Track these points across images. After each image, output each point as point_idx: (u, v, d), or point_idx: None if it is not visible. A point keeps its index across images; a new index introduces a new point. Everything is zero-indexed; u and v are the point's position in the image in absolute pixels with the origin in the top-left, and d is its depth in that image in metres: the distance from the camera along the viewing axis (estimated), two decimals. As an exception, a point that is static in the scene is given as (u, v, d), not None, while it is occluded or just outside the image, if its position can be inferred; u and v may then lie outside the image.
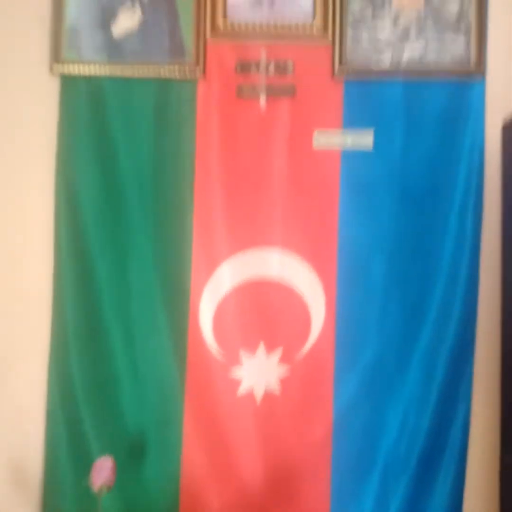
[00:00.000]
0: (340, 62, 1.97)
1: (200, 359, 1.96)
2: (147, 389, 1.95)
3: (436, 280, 1.96)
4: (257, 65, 2.00)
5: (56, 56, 1.98)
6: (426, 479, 1.95)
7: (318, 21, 1.99)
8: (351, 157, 1.98)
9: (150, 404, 1.95)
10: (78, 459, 1.91)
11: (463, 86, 1.97)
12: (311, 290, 1.98)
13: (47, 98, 1.98)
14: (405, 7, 1.97)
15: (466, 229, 1.95)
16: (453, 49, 1.97)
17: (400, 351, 1.97)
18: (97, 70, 1.99)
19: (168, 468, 1.94)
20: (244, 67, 2.00)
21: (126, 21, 2.01)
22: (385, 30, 1.98)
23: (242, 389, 1.97)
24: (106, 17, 2.00)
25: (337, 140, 1.99)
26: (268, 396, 1.97)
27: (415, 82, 1.97)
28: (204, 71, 1.98)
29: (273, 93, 1.98)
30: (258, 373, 1.96)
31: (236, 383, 1.97)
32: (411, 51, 1.97)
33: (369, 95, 1.99)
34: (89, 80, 1.98)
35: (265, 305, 1.97)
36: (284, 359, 1.97)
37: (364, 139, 1.98)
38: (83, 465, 1.82)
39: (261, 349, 1.97)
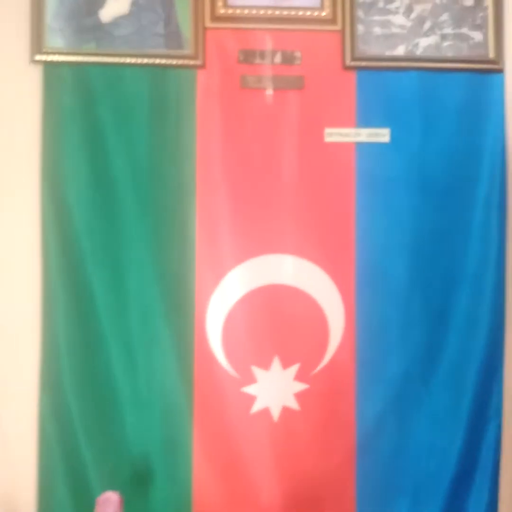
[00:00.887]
0: (352, 51, 1.87)
1: (208, 375, 1.83)
2: (151, 411, 1.80)
3: (461, 284, 1.88)
4: (262, 55, 1.89)
5: (38, 44, 1.82)
6: (458, 502, 1.85)
7: (327, 6, 1.89)
8: (366, 151, 1.88)
9: (155, 428, 1.80)
10: (77, 492, 1.75)
11: (481, 79, 1.90)
12: (328, 298, 1.87)
13: (30, 90, 1.82)
14: (419, -4, 1.90)
15: (491, 227, 1.88)
16: (470, 44, 1.89)
17: (426, 363, 1.87)
18: (84, 58, 1.84)
19: (177, 496, 1.80)
20: (247, 56, 1.88)
21: (116, 6, 1.87)
22: (398, 19, 1.89)
23: (257, 407, 1.84)
24: (92, 2, 1.86)
25: (351, 138, 1.88)
26: (286, 412, 1.85)
27: (432, 73, 1.89)
28: (204, 61, 1.86)
29: (280, 85, 1.88)
30: (273, 389, 1.84)
31: (250, 400, 1.84)
32: (427, 42, 1.89)
33: (383, 86, 1.89)
34: (75, 68, 1.83)
35: (278, 315, 1.85)
36: (301, 374, 1.85)
37: (380, 137, 1.88)
38: (83, 499, 1.71)
39: (276, 364, 1.85)
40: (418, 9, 1.88)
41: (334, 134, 1.88)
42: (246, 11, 1.88)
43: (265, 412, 1.84)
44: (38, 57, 1.82)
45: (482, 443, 1.88)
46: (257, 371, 1.84)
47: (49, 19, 1.83)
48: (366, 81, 1.88)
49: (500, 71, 1.89)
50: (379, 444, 1.85)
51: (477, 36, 1.88)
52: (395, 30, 1.87)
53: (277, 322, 1.85)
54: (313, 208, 1.87)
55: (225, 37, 1.88)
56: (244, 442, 1.83)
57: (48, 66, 1.83)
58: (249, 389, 1.84)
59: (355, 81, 1.89)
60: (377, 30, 1.88)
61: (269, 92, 1.88)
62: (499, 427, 1.88)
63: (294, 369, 1.85)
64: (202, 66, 1.86)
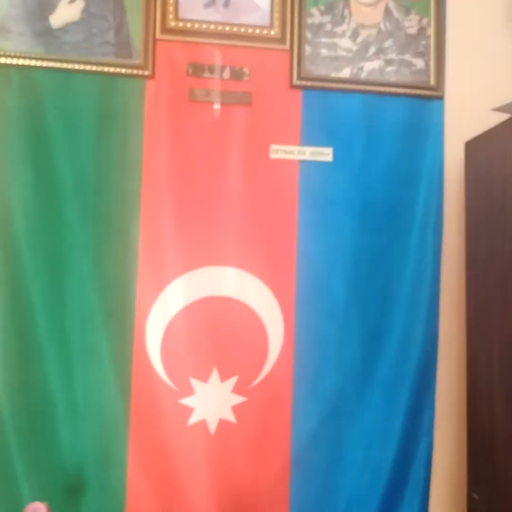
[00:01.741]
0: (299, 70, 1.95)
1: (146, 386, 1.85)
2: (86, 422, 1.81)
3: (397, 303, 1.97)
4: (211, 69, 1.95)
5: (-16, 46, 1.85)
6: (389, 516, 1.95)
7: (276, 25, 1.96)
8: (309, 169, 1.95)
9: (89, 439, 1.81)
10: (6, 504, 1.74)
11: (422, 104, 2.01)
12: (268, 312, 1.93)
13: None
14: (365, 22, 1.98)
15: (427, 249, 1.98)
16: (412, 70, 2.00)
17: (361, 380, 1.95)
18: (32, 62, 1.86)
19: (110, 509, 1.81)
20: (196, 70, 1.94)
21: (67, 12, 1.90)
22: (344, 42, 1.99)
23: (194, 419, 1.87)
24: (44, 7, 1.88)
25: (295, 155, 1.96)
26: (223, 424, 1.89)
27: (375, 96, 1.99)
28: (153, 71, 1.91)
29: (228, 100, 1.94)
30: (211, 401, 1.88)
31: (187, 412, 1.87)
32: (371, 66, 1.99)
33: (328, 106, 1.98)
34: (23, 72, 1.85)
35: (219, 327, 1.90)
36: (239, 387, 1.89)
37: (323, 156, 1.96)
38: (13, 510, 1.69)
39: (215, 376, 1.89)
40: (364, 34, 1.98)
41: (279, 151, 1.95)
42: (196, 25, 1.94)
43: (202, 424, 1.88)
44: (-17, 59, 1.84)
45: (414, 460, 1.97)
46: (195, 383, 1.88)
47: (-3, 20, 1.85)
48: (311, 101, 1.96)
49: (440, 97, 2.00)
50: (314, 458, 1.92)
51: (419, 63, 2.00)
52: (341, 52, 1.97)
53: (217, 334, 1.89)
54: (256, 222, 1.93)
55: (175, 50, 1.93)
56: (180, 454, 1.86)
57: (-6, 68, 1.85)
58: (187, 401, 1.87)
59: (301, 100, 1.96)
60: (324, 51, 1.97)
61: (217, 106, 1.94)
62: (430, 445, 1.97)
63: (232, 381, 1.90)
64: (151, 77, 1.91)
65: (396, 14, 1.99)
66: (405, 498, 1.95)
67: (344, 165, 1.96)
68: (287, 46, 1.97)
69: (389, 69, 1.99)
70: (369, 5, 1.98)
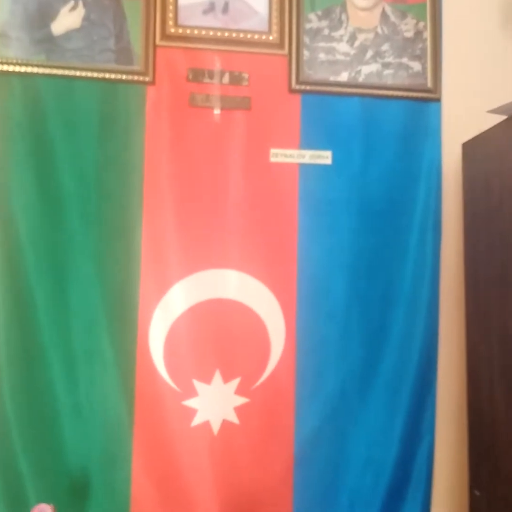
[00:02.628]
0: (297, 75, 2.02)
1: (150, 388, 1.91)
2: (90, 423, 1.87)
3: (397, 302, 2.03)
4: (211, 74, 2.01)
5: (-14, 54, 1.92)
6: (392, 514, 2.01)
7: (274, 31, 2.03)
8: (309, 172, 2.02)
9: (94, 441, 1.87)
10: (13, 505, 1.79)
11: (419, 106, 2.08)
12: (270, 313, 1.98)
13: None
14: (362, 26, 2.05)
15: (427, 248, 2.04)
16: (409, 73, 2.07)
17: (362, 379, 2.00)
18: (34, 69, 1.92)
19: (115, 509, 1.86)
20: (196, 75, 2.01)
21: (68, 20, 1.97)
22: (342, 46, 2.05)
23: (197, 420, 1.93)
24: (44, 14, 1.95)
25: (294, 159, 2.02)
26: (226, 425, 1.95)
27: (373, 99, 2.05)
28: (153, 77, 1.97)
29: (227, 105, 2.00)
30: (214, 402, 1.94)
31: (191, 414, 1.93)
32: (369, 69, 2.06)
33: (326, 109, 2.05)
34: (25, 79, 1.91)
35: (221, 329, 1.95)
36: (242, 388, 1.95)
37: (322, 159, 2.03)
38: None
39: (217, 378, 1.95)
40: (361, 38, 2.05)
41: (279, 155, 2.01)
42: (196, 31, 2.00)
43: (206, 425, 1.94)
44: (-15, 67, 1.91)
45: (416, 458, 2.03)
46: (198, 384, 1.93)
47: (0, 29, 1.91)
48: (310, 105, 2.03)
49: (437, 100, 2.07)
50: (317, 458, 1.97)
51: (416, 66, 2.06)
52: (339, 57, 2.04)
53: (219, 336, 1.95)
54: (257, 225, 2.00)
55: (175, 56, 2.00)
56: (183, 455, 1.91)
57: (-4, 76, 1.91)
58: (190, 403, 1.93)
59: (300, 104, 2.03)
60: (322, 56, 2.03)
61: (217, 111, 2.00)
62: (432, 443, 2.04)
63: (235, 383, 1.95)
64: (152, 83, 1.98)
65: (392, 18, 2.05)
66: (408, 495, 2.01)
67: (343, 167, 2.02)
68: (286, 51, 2.03)
69: (386, 72, 2.05)
70: (366, 9, 2.05)
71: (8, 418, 1.83)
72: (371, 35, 2.05)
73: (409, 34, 2.06)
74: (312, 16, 2.03)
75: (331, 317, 2.00)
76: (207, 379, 1.94)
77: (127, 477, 1.88)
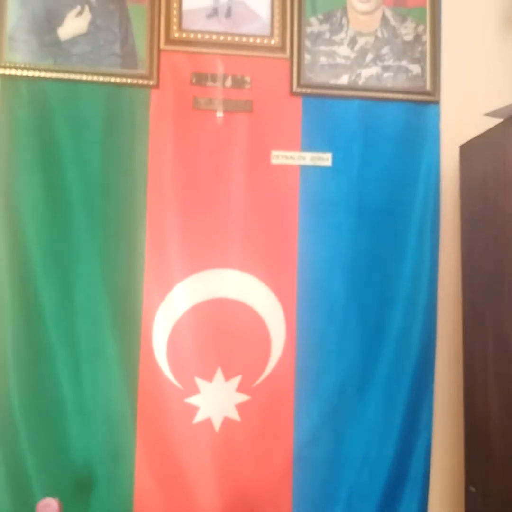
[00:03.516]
0: (298, 78, 2.10)
1: (153, 386, 1.99)
2: (95, 419, 1.96)
3: (395, 302, 2.10)
4: (214, 78, 2.09)
5: (-4, 58, 2.01)
6: (390, 510, 2.06)
7: (276, 35, 2.11)
8: (310, 174, 2.09)
9: (98, 436, 1.96)
10: (19, 499, 1.88)
11: (418, 109, 2.15)
12: (270, 313, 2.06)
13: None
14: (362, 30, 2.12)
15: (425, 249, 2.11)
16: (409, 76, 2.14)
17: (361, 376, 2.08)
18: (42, 74, 2.01)
19: (119, 505, 1.95)
20: (200, 79, 2.09)
21: (74, 25, 2.05)
22: (343, 50, 2.13)
23: (199, 417, 2.01)
24: (52, 20, 2.04)
25: (295, 160, 2.10)
26: (228, 422, 2.02)
27: (372, 102, 2.12)
28: (158, 81, 2.06)
29: (230, 107, 2.08)
30: (216, 400, 2.02)
31: (193, 411, 2.01)
32: (369, 73, 2.13)
33: (327, 112, 2.12)
34: (33, 83, 2.00)
35: (222, 328, 2.04)
36: (243, 385, 2.03)
37: (323, 161, 2.10)
38: (25, 506, 1.84)
39: (219, 375, 2.02)
40: (361, 41, 2.12)
41: (280, 157, 2.09)
42: (199, 36, 2.09)
43: (207, 422, 2.02)
44: (-4, 70, 2.01)
45: (413, 455, 2.10)
46: (200, 382, 2.01)
47: (9, 34, 2.00)
48: (311, 107, 2.11)
49: (436, 102, 2.14)
50: (316, 454, 2.05)
51: (415, 68, 2.13)
52: (339, 60, 2.11)
53: (221, 335, 2.03)
54: (258, 226, 2.08)
55: (179, 60, 2.08)
56: (186, 451, 2.00)
57: (6, 80, 1.99)
58: (192, 400, 2.01)
59: (301, 107, 2.11)
60: (323, 59, 2.11)
61: (220, 114, 2.08)
62: (429, 440, 2.11)
63: (236, 381, 2.03)
64: (156, 86, 2.06)
65: (392, 21, 2.12)
66: (405, 492, 2.08)
67: (343, 169, 2.10)
68: (287, 54, 2.11)
69: (386, 75, 2.12)
70: (366, 13, 2.12)
71: (14, 414, 1.91)
72: (371, 39, 2.13)
73: (409, 37, 2.14)
74: (313, 20, 2.11)
75: (331, 316, 2.07)
76: (209, 377, 2.02)
77: (130, 472, 1.96)
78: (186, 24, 2.09)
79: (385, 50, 2.12)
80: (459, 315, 2.06)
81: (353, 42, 2.12)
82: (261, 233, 2.07)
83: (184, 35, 2.08)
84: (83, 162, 2.00)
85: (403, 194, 2.11)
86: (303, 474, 2.04)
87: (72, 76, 2.03)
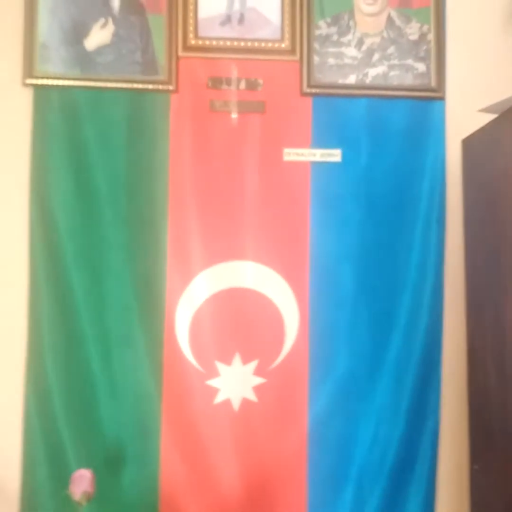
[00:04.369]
0: (308, 79, 2.27)
1: (176, 369, 2.21)
2: (124, 400, 2.18)
3: (403, 290, 2.26)
4: (228, 81, 2.28)
5: (29, 70, 2.22)
6: (399, 488, 2.23)
7: (286, 38, 2.28)
8: (320, 169, 2.27)
9: (127, 416, 2.18)
10: (56, 471, 2.13)
11: (424, 105, 2.30)
12: (284, 301, 2.25)
13: (20, 111, 2.21)
14: (369, 31, 2.28)
15: (431, 239, 2.27)
16: (414, 74, 2.29)
17: (371, 361, 2.25)
18: (70, 82, 2.23)
19: (146, 478, 2.18)
20: (215, 83, 2.28)
21: (99, 36, 2.27)
22: (350, 51, 2.29)
23: (219, 398, 2.22)
24: (78, 32, 2.26)
25: (306, 157, 2.27)
26: (246, 403, 2.22)
27: (379, 100, 2.28)
28: (177, 86, 2.26)
29: (244, 109, 2.27)
30: (234, 382, 2.22)
31: (213, 392, 2.22)
32: (375, 72, 2.29)
33: (336, 110, 2.30)
34: (62, 91, 2.22)
35: (240, 316, 2.23)
36: (260, 369, 2.23)
37: (333, 157, 2.27)
38: (62, 477, 2.05)
39: (237, 360, 2.23)
40: (368, 42, 2.28)
41: (292, 154, 2.27)
42: (214, 42, 2.28)
43: (227, 403, 2.22)
44: (29, 81, 2.22)
45: (422, 436, 2.25)
46: (220, 366, 2.22)
47: (40, 46, 2.22)
48: (321, 106, 2.28)
49: (441, 98, 2.28)
50: (329, 434, 2.23)
51: (420, 67, 2.28)
52: (347, 61, 2.28)
53: (239, 322, 2.23)
54: (272, 219, 2.26)
55: (196, 65, 2.28)
56: (207, 430, 2.21)
57: (38, 89, 2.22)
58: (213, 382, 2.22)
59: (311, 106, 2.28)
60: (331, 60, 2.28)
61: (234, 115, 2.27)
62: (437, 422, 2.26)
63: (253, 364, 2.23)
64: (175, 91, 2.26)
65: (398, 22, 2.27)
66: (414, 471, 2.24)
67: (352, 165, 2.27)
68: (297, 57, 2.28)
69: (392, 73, 2.28)
70: (373, 15, 2.28)
71: (52, 394, 2.15)
72: (377, 39, 2.28)
73: (414, 37, 2.28)
74: (321, 23, 2.28)
75: (342, 304, 2.25)
76: (228, 361, 2.22)
77: (157, 449, 2.18)
78: (202, 32, 2.28)
79: (391, 50, 2.27)
80: (464, 301, 2.22)
81: (360, 43, 2.28)
82: (274, 226, 2.26)
83: (200, 42, 2.27)
84: (109, 163, 2.22)
85: (410, 187, 2.27)
86: (317, 452, 2.23)
87: (98, 84, 2.24)
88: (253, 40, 2.28)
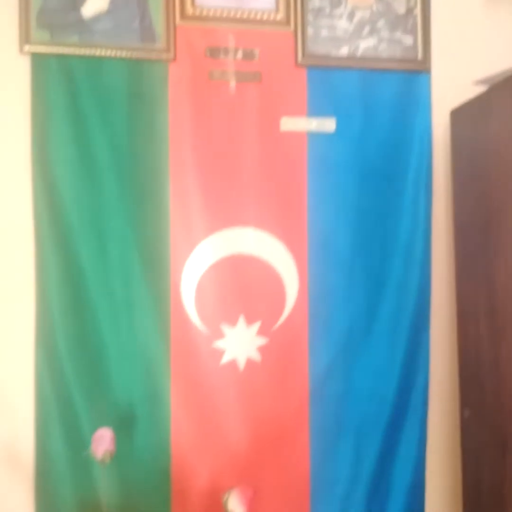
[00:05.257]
0: (303, 50, 2.41)
1: (183, 332, 2.33)
2: (133, 363, 2.28)
3: (395, 253, 2.46)
4: (226, 51, 2.38)
5: (26, 37, 2.24)
6: (393, 439, 2.45)
7: (281, 10, 2.40)
8: (316, 138, 2.43)
9: (137, 378, 2.28)
10: (70, 434, 2.21)
11: (411, 77, 2.49)
12: (284, 265, 2.41)
13: (19, 78, 2.24)
14: (359, 4, 2.44)
15: (420, 205, 2.47)
16: (403, 47, 2.47)
17: (366, 320, 2.45)
18: (68, 50, 2.26)
19: (158, 438, 2.29)
20: (213, 52, 2.38)
21: (96, 3, 2.31)
22: (342, 23, 2.44)
23: (225, 359, 2.36)
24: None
25: (303, 125, 2.42)
26: (250, 363, 2.37)
27: (370, 72, 2.46)
28: (175, 55, 2.34)
29: (241, 78, 2.38)
30: (239, 343, 2.36)
31: (219, 353, 2.36)
32: (366, 45, 2.46)
33: (329, 81, 2.45)
34: (60, 59, 2.26)
35: (243, 280, 2.37)
36: (263, 330, 2.38)
37: (328, 125, 2.43)
38: (75, 440, 2.19)
39: (241, 321, 2.37)
40: (358, 15, 2.44)
41: (289, 123, 2.41)
42: (211, 12, 2.37)
43: (232, 363, 2.37)
44: (26, 48, 2.24)
45: (413, 389, 2.48)
46: (225, 328, 2.36)
47: (36, 13, 2.24)
48: (315, 77, 2.43)
49: (427, 71, 2.48)
50: (329, 390, 2.42)
51: (408, 40, 2.47)
52: (339, 33, 2.43)
53: (242, 286, 2.38)
54: (271, 187, 2.40)
55: (194, 34, 2.37)
56: (215, 390, 2.35)
57: (36, 57, 2.25)
58: (219, 344, 2.35)
59: (306, 77, 2.43)
60: (324, 32, 2.42)
61: (232, 84, 2.38)
62: (426, 376, 2.49)
63: (256, 326, 2.38)
64: (173, 60, 2.34)
65: (386, -4, 2.45)
66: (407, 421, 2.46)
67: (345, 134, 2.43)
68: (292, 28, 2.41)
69: (382, 46, 2.45)
70: (363, -11, 2.44)
71: (62, 360, 2.22)
72: (367, 13, 2.44)
73: (402, 10, 2.46)
74: (315, -5, 2.42)
75: (338, 267, 2.43)
76: (233, 323, 2.36)
77: (167, 409, 2.30)
78: (199, 1, 2.36)
79: (380, 23, 2.44)
80: (452, 261, 2.45)
81: (351, 15, 2.43)
82: (273, 193, 2.40)
83: (197, 11, 2.36)
84: (110, 132, 2.29)
85: (399, 157, 2.46)
86: (318, 407, 2.41)
87: (97, 52, 2.29)
88: (249, 10, 2.39)
